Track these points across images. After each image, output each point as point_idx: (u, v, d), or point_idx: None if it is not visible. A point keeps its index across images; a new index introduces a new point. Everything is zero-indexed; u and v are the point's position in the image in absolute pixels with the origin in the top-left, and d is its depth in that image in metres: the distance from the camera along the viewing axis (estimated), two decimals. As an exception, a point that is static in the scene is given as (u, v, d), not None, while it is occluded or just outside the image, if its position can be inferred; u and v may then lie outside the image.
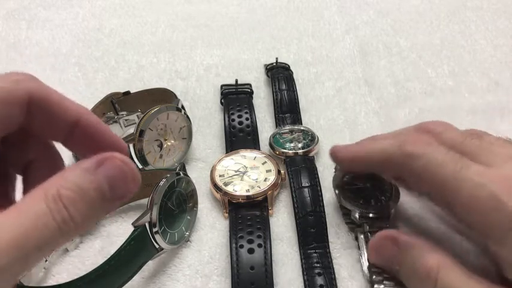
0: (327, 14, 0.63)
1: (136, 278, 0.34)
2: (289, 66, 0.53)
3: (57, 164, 0.27)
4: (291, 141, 0.44)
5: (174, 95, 0.44)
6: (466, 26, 0.60)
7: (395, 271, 0.32)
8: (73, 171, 0.22)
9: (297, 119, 0.47)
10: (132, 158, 0.39)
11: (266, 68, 0.53)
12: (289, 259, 0.36)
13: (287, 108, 0.48)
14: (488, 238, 0.28)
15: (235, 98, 0.49)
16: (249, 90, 0.50)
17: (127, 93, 0.46)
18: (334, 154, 0.36)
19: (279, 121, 0.47)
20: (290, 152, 0.43)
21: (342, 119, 0.48)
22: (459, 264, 0.29)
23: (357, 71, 0.54)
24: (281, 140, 0.44)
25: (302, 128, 0.45)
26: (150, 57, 0.57)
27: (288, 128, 0.45)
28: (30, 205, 0.21)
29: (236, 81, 0.51)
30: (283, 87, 0.49)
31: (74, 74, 0.55)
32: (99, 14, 0.64)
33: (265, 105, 0.50)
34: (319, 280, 0.34)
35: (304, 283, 0.34)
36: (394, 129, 0.45)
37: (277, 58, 0.53)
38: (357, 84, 0.52)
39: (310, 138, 0.44)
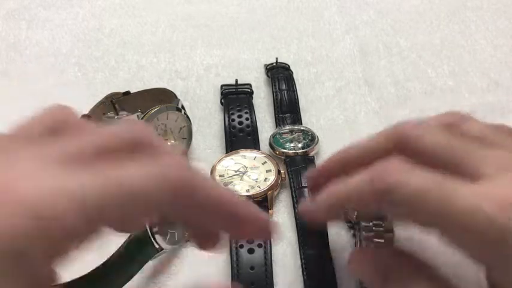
0: (327, 14, 0.63)
1: (136, 278, 0.34)
2: (289, 66, 0.53)
3: None
4: (291, 141, 0.44)
5: (174, 95, 0.44)
6: (466, 26, 0.60)
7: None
8: None
9: (297, 119, 0.47)
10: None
11: (266, 68, 0.53)
12: (289, 259, 0.36)
13: (287, 108, 0.48)
14: (490, 265, 0.24)
15: (235, 98, 0.49)
16: (249, 90, 0.50)
17: (127, 93, 0.46)
18: (304, 216, 0.31)
19: (279, 121, 0.47)
20: (290, 152, 0.43)
21: (342, 119, 0.48)
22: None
23: (357, 71, 0.54)
24: (281, 140, 0.44)
25: (302, 128, 0.45)
26: (150, 57, 0.57)
27: (288, 128, 0.45)
28: None
29: (236, 81, 0.51)
30: (283, 87, 0.49)
31: (74, 74, 0.55)
32: (99, 14, 0.64)
33: (265, 105, 0.50)
34: (319, 281, 0.34)
35: (304, 283, 0.34)
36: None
37: (277, 58, 0.53)
38: (357, 84, 0.52)
39: (310, 138, 0.44)
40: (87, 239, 0.21)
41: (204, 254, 0.37)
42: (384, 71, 0.54)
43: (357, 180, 0.26)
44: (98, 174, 0.19)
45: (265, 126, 0.47)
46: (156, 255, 0.34)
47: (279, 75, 0.51)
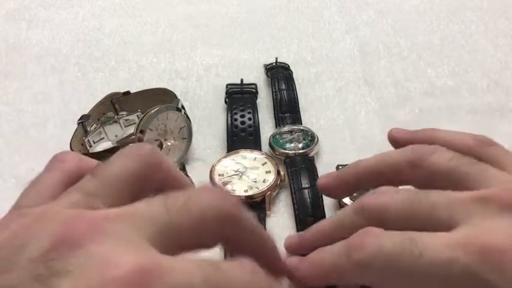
0: (327, 14, 0.63)
1: (137, 278, 0.34)
2: (288, 66, 0.53)
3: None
4: (290, 142, 0.44)
5: (174, 95, 0.44)
6: (466, 26, 0.60)
7: None
8: None
9: (296, 119, 0.47)
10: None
11: (266, 68, 0.53)
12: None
13: (287, 108, 0.48)
14: None
15: (239, 97, 0.49)
16: (254, 90, 0.50)
17: (127, 93, 0.46)
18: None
19: (278, 121, 0.47)
20: (290, 152, 0.43)
21: (342, 119, 0.48)
22: None
23: (357, 71, 0.54)
24: (281, 140, 0.44)
25: (302, 128, 0.45)
26: (150, 57, 0.57)
27: (287, 128, 0.45)
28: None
29: (241, 80, 0.51)
30: (283, 86, 0.49)
31: (74, 74, 0.55)
32: (99, 14, 0.64)
33: (265, 105, 0.50)
34: None
35: None
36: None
37: (276, 58, 0.53)
38: (357, 84, 0.52)
39: (310, 139, 0.44)
40: None
41: (205, 255, 0.37)
42: (383, 71, 0.54)
43: (333, 256, 0.27)
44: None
45: (265, 126, 0.47)
46: (156, 255, 0.34)
47: (279, 75, 0.51)
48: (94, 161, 0.28)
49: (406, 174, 0.30)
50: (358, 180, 0.33)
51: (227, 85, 0.50)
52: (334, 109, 0.49)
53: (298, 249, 0.32)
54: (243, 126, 0.45)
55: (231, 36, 0.60)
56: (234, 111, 0.47)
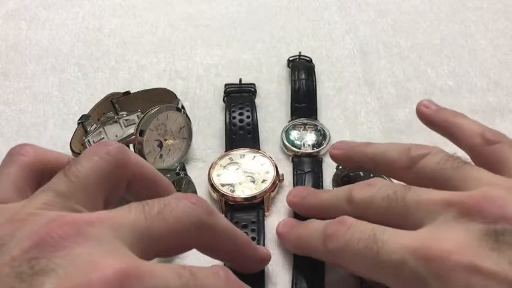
0: (327, 14, 0.63)
1: (136, 278, 0.34)
2: (311, 59, 0.53)
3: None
4: (302, 138, 0.44)
5: (174, 95, 0.44)
6: (466, 26, 0.60)
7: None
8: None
9: (313, 110, 0.47)
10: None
11: (288, 61, 0.53)
12: (288, 261, 0.36)
13: (304, 98, 0.48)
14: None
15: (237, 96, 0.49)
16: (252, 89, 0.50)
17: (127, 93, 0.46)
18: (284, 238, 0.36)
19: (294, 110, 0.47)
20: (299, 151, 0.43)
21: (342, 119, 0.48)
22: None
23: (357, 71, 0.54)
24: (291, 136, 0.44)
25: (315, 123, 0.45)
26: (150, 57, 0.57)
27: (300, 121, 0.46)
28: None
29: (240, 80, 0.51)
30: (303, 76, 0.49)
31: (74, 74, 0.55)
32: (99, 14, 0.64)
33: (265, 105, 0.50)
34: (308, 274, 0.34)
35: (292, 275, 0.35)
36: (394, 129, 0.46)
37: (300, 52, 0.53)
38: (357, 84, 0.52)
39: (322, 137, 0.44)
40: None
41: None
42: (384, 71, 0.54)
43: (312, 241, 0.31)
44: None
45: (265, 126, 0.47)
46: (156, 255, 0.34)
47: (300, 65, 0.51)
48: (53, 153, 0.29)
49: (398, 173, 0.32)
50: (361, 162, 0.35)
51: (225, 85, 0.50)
52: (334, 109, 0.49)
53: (297, 208, 0.37)
54: (241, 124, 0.45)
55: (231, 36, 0.60)
56: (232, 110, 0.47)
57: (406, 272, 0.25)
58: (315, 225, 0.32)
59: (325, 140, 0.44)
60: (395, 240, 0.26)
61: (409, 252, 0.25)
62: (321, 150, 0.43)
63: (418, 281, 0.25)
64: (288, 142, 0.44)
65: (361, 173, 0.40)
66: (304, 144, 0.43)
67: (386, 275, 0.27)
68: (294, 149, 0.43)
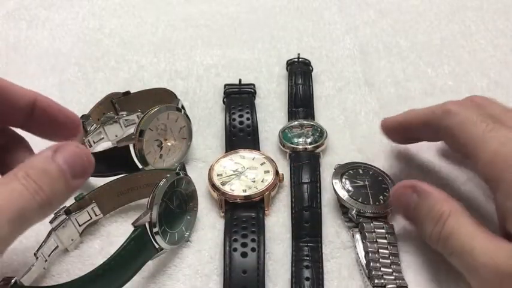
0: (327, 14, 0.63)
1: (136, 278, 0.34)
2: (309, 62, 0.53)
3: (26, 147, 0.33)
4: (299, 136, 0.44)
5: (174, 95, 0.44)
6: (466, 26, 0.60)
7: (410, 217, 0.35)
8: (36, 158, 0.27)
9: (310, 114, 0.47)
10: (132, 158, 0.39)
11: (287, 63, 0.53)
12: (288, 260, 0.36)
13: (301, 102, 0.48)
14: (499, 190, 0.30)
15: (237, 97, 0.49)
16: (251, 90, 0.50)
17: (127, 93, 0.46)
18: (383, 125, 0.41)
19: (291, 115, 0.47)
20: (298, 147, 0.43)
21: (342, 119, 0.48)
22: (470, 215, 0.31)
23: (357, 71, 0.54)
24: (289, 135, 0.44)
25: (313, 123, 0.45)
26: (150, 57, 0.57)
27: (298, 122, 0.46)
28: (4, 183, 0.26)
29: (240, 80, 0.51)
30: (300, 81, 0.50)
31: (74, 74, 0.55)
32: (99, 14, 0.64)
33: (265, 105, 0.50)
34: (306, 273, 0.35)
35: (292, 274, 0.35)
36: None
37: (299, 54, 0.53)
38: (357, 84, 0.52)
39: (319, 134, 0.44)
40: None
41: (204, 255, 0.37)
42: (384, 71, 0.54)
43: (431, 106, 0.36)
44: None
45: (265, 126, 0.47)
46: (156, 255, 0.34)
47: (297, 69, 0.51)
48: None
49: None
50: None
51: (225, 85, 0.50)
52: (334, 109, 0.49)
53: (391, 123, 0.41)
54: (241, 126, 0.45)
55: (231, 36, 0.60)
56: (232, 111, 0.47)
57: (505, 152, 0.30)
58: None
59: (322, 137, 0.44)
60: (506, 130, 0.31)
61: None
62: (318, 147, 0.43)
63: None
64: (285, 140, 0.44)
65: (360, 170, 0.40)
66: (301, 142, 0.44)
67: (485, 148, 0.31)
68: (291, 145, 0.43)
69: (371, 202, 0.38)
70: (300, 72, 0.51)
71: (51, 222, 0.35)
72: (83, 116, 0.44)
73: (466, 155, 0.33)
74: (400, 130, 0.40)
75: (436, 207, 0.32)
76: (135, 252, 0.32)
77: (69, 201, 0.37)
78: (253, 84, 0.51)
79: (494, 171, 0.30)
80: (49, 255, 0.35)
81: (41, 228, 0.37)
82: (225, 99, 0.49)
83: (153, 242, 0.33)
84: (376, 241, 0.35)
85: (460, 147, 0.34)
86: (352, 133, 0.46)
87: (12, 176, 0.26)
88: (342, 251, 0.37)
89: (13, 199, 0.25)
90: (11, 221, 0.24)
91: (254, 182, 0.40)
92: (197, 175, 0.42)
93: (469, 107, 0.34)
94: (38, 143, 0.33)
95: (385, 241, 0.35)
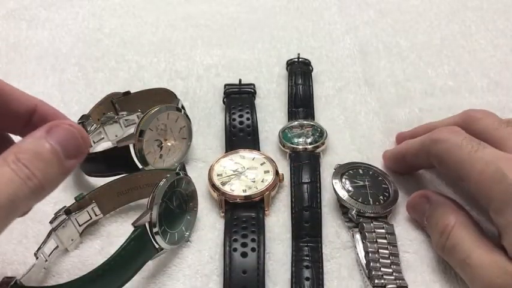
0: (327, 14, 0.63)
1: (136, 278, 0.34)
2: (309, 61, 0.53)
3: None
4: (299, 136, 0.44)
5: (174, 95, 0.44)
6: (466, 26, 0.60)
7: (423, 225, 0.37)
8: (26, 140, 0.26)
9: (309, 114, 0.47)
10: (132, 158, 0.39)
11: (287, 63, 0.53)
12: (288, 260, 0.36)
13: (301, 103, 0.48)
14: (490, 208, 0.31)
15: (237, 97, 0.49)
16: (251, 90, 0.50)
17: (127, 93, 0.46)
18: (384, 157, 0.43)
19: (291, 115, 0.47)
20: (298, 147, 0.43)
21: (342, 119, 0.48)
22: (476, 226, 0.33)
23: (357, 71, 0.54)
24: (289, 135, 0.44)
25: (312, 123, 0.45)
26: (150, 57, 0.57)
27: (298, 122, 0.46)
28: None
29: (240, 81, 0.51)
30: (300, 81, 0.50)
31: (74, 74, 0.55)
32: (99, 14, 0.64)
33: (265, 105, 0.50)
34: (306, 273, 0.35)
35: (292, 274, 0.35)
36: (394, 129, 0.46)
37: (299, 54, 0.53)
38: (357, 84, 0.52)
39: (319, 134, 0.44)
40: None
41: (204, 255, 0.37)
42: (383, 71, 0.54)
43: (422, 137, 0.37)
44: None
45: (265, 126, 0.47)
46: (156, 255, 0.34)
47: (297, 69, 0.51)
48: None
49: None
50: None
51: (225, 85, 0.50)
52: (334, 109, 0.49)
53: (390, 155, 0.42)
54: (241, 126, 0.45)
55: (231, 36, 0.60)
56: (232, 112, 0.47)
57: (491, 171, 0.31)
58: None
59: (322, 137, 0.44)
60: (492, 149, 0.32)
61: (502, 159, 0.31)
62: (318, 147, 0.43)
63: (499, 177, 0.30)
64: (285, 140, 0.44)
65: (360, 171, 0.40)
66: (301, 142, 0.44)
67: (472, 169, 0.32)
68: (291, 145, 0.43)
69: (371, 202, 0.38)
70: (300, 72, 0.51)
71: (51, 222, 0.35)
72: (83, 116, 0.44)
73: (458, 178, 0.34)
74: (398, 160, 0.41)
75: (443, 218, 0.34)
76: (135, 252, 0.32)
77: (69, 201, 0.37)
78: (253, 84, 0.51)
79: (483, 190, 0.31)
80: (49, 255, 0.35)
81: (41, 228, 0.38)
82: (225, 99, 0.49)
83: (153, 242, 0.33)
84: (376, 241, 0.35)
85: (451, 172, 0.34)
86: (352, 133, 0.46)
87: (2, 161, 0.24)
88: (342, 251, 0.37)
89: (2, 185, 0.24)
90: (1, 208, 0.23)
91: (254, 182, 0.40)
92: (197, 175, 0.42)
93: (455, 132, 0.35)
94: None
95: (385, 241, 0.35)
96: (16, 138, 0.34)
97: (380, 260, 0.34)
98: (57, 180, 0.27)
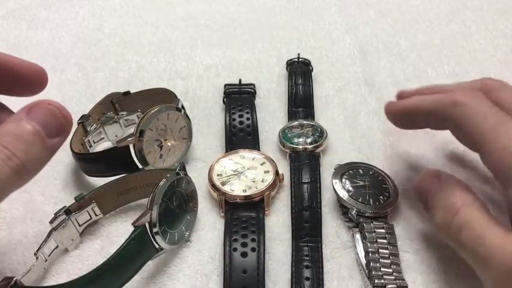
0: (327, 14, 0.63)
1: (136, 278, 0.34)
2: (309, 61, 0.53)
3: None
4: (299, 136, 0.44)
5: (174, 95, 0.44)
6: (466, 26, 0.60)
7: (427, 204, 0.34)
8: (7, 124, 0.26)
9: (309, 114, 0.47)
10: (132, 158, 0.39)
11: (287, 63, 0.53)
12: (288, 260, 0.36)
13: (301, 103, 0.48)
14: (509, 185, 0.30)
15: (237, 97, 0.49)
16: (251, 90, 0.50)
17: (127, 93, 0.46)
18: (388, 109, 0.39)
19: (291, 115, 0.47)
20: (298, 147, 0.43)
21: (341, 119, 0.48)
22: (485, 208, 0.31)
23: (357, 71, 0.54)
24: (289, 135, 0.44)
25: (312, 123, 0.46)
26: (150, 57, 0.57)
27: (298, 122, 0.46)
28: None
29: (240, 81, 0.51)
30: (300, 81, 0.50)
31: (74, 74, 0.55)
32: (99, 14, 0.64)
33: (265, 105, 0.50)
34: (306, 273, 0.35)
35: (292, 274, 0.35)
36: (394, 129, 0.46)
37: (299, 54, 0.53)
38: (357, 84, 0.52)
39: (319, 134, 0.44)
40: None
41: (205, 255, 0.37)
42: (383, 71, 0.54)
43: (438, 94, 0.35)
44: None
45: (265, 126, 0.47)
46: (156, 255, 0.34)
47: (297, 69, 0.51)
48: None
49: None
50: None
51: (225, 85, 0.50)
52: (334, 109, 0.49)
53: (397, 109, 0.39)
54: (241, 126, 0.45)
55: (231, 36, 0.60)
56: (232, 111, 0.47)
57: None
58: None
59: (322, 137, 0.44)
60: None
61: None
62: (318, 147, 0.43)
63: None
64: (285, 140, 0.44)
65: (360, 171, 0.40)
66: (301, 142, 0.44)
67: (495, 143, 0.30)
68: (291, 145, 0.43)
69: (371, 202, 0.38)
70: (300, 72, 0.51)
71: (51, 222, 0.35)
72: (83, 116, 0.44)
73: (474, 148, 0.33)
74: (405, 116, 0.38)
75: (451, 197, 0.32)
76: (135, 252, 0.32)
77: (69, 201, 0.37)
78: (253, 84, 0.51)
79: (504, 167, 0.30)
80: (49, 255, 0.35)
81: (41, 228, 0.38)
82: (225, 99, 0.49)
83: (153, 242, 0.33)
84: (376, 241, 0.35)
85: (468, 139, 0.33)
86: (352, 133, 0.46)
87: None
88: (342, 251, 0.37)
89: None
90: None
91: (254, 182, 0.40)
92: (197, 175, 0.42)
93: (478, 97, 0.32)
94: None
95: (385, 241, 0.35)
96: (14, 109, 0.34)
97: (380, 260, 0.34)
98: (42, 160, 0.27)
